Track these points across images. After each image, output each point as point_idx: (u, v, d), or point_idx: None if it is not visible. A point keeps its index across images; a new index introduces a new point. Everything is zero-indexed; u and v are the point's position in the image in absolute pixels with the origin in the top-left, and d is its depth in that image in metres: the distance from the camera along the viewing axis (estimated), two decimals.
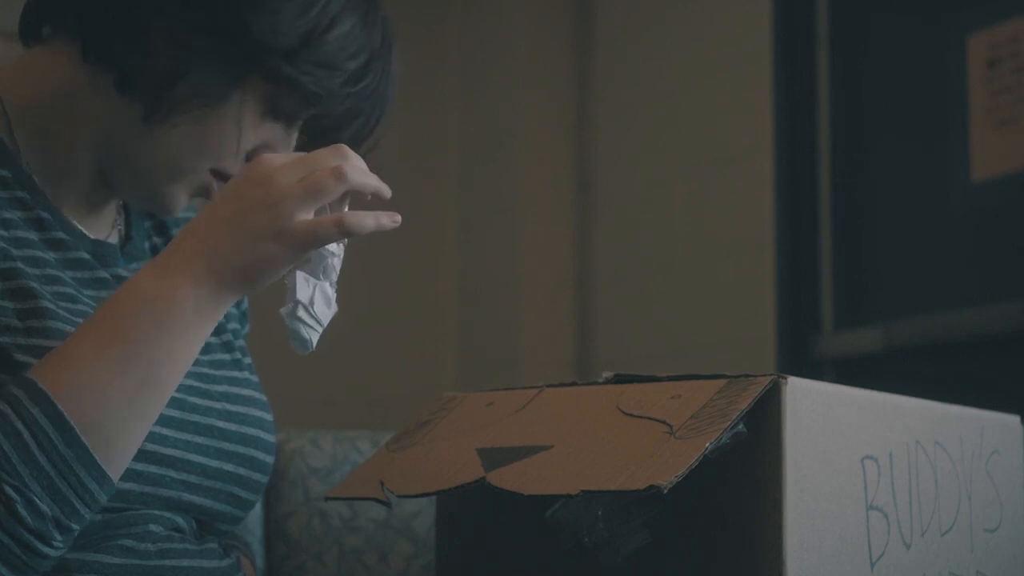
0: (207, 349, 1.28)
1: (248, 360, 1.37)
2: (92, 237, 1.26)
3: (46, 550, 1.06)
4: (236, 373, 1.32)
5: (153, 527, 1.20)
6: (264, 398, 1.34)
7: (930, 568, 1.18)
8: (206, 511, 1.25)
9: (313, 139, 1.24)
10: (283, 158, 1.12)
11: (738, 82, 3.30)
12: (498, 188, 3.90)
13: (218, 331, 1.32)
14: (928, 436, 1.19)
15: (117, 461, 1.08)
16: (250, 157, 1.22)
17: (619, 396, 1.14)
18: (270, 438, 1.31)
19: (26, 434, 1.04)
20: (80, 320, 1.16)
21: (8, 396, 1.06)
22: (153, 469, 1.18)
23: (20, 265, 1.17)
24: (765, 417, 1.06)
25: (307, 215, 1.10)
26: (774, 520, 1.06)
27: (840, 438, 1.11)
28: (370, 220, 1.12)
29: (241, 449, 1.26)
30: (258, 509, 1.76)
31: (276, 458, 1.43)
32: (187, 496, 1.21)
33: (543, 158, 3.81)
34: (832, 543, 1.09)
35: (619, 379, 1.17)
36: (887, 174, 3.03)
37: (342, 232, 1.10)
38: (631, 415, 1.11)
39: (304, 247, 1.11)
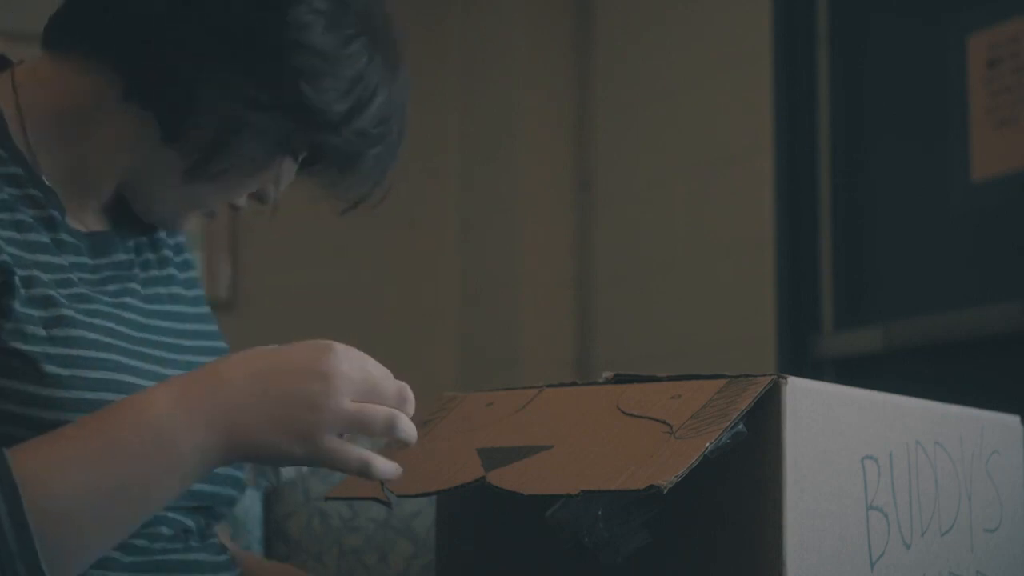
0: (197, 327, 1.30)
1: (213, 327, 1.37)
2: (85, 231, 1.25)
3: None
4: (221, 344, 1.33)
5: (164, 529, 1.20)
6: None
7: (930, 568, 1.18)
8: (215, 497, 1.25)
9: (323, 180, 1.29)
10: (350, 363, 1.09)
11: (738, 82, 3.30)
12: (498, 188, 3.90)
13: (196, 301, 1.34)
14: (928, 436, 1.19)
15: (65, 572, 1.05)
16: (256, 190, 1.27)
17: (619, 396, 1.14)
18: None
19: None
20: (98, 322, 1.16)
21: None
22: None
23: (37, 272, 1.15)
24: (765, 417, 1.06)
25: (340, 437, 1.09)
26: (774, 520, 1.06)
27: (840, 438, 1.11)
28: (391, 471, 1.11)
29: None
30: (258, 509, 1.76)
31: None
32: (197, 484, 1.21)
33: (543, 158, 3.81)
34: (832, 543, 1.09)
35: (619, 379, 1.17)
36: (887, 174, 3.03)
37: (363, 473, 1.10)
38: (631, 415, 1.11)
39: (322, 464, 1.10)
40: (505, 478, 1.10)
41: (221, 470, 1.24)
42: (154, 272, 1.31)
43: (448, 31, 4.06)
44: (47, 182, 1.21)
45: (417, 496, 1.17)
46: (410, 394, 1.12)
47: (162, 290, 1.30)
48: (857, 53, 3.12)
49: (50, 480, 1.04)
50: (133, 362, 1.18)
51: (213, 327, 1.35)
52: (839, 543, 1.10)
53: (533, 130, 3.82)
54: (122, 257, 1.27)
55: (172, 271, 1.34)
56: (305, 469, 1.77)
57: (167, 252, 1.34)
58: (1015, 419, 1.32)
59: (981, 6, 2.83)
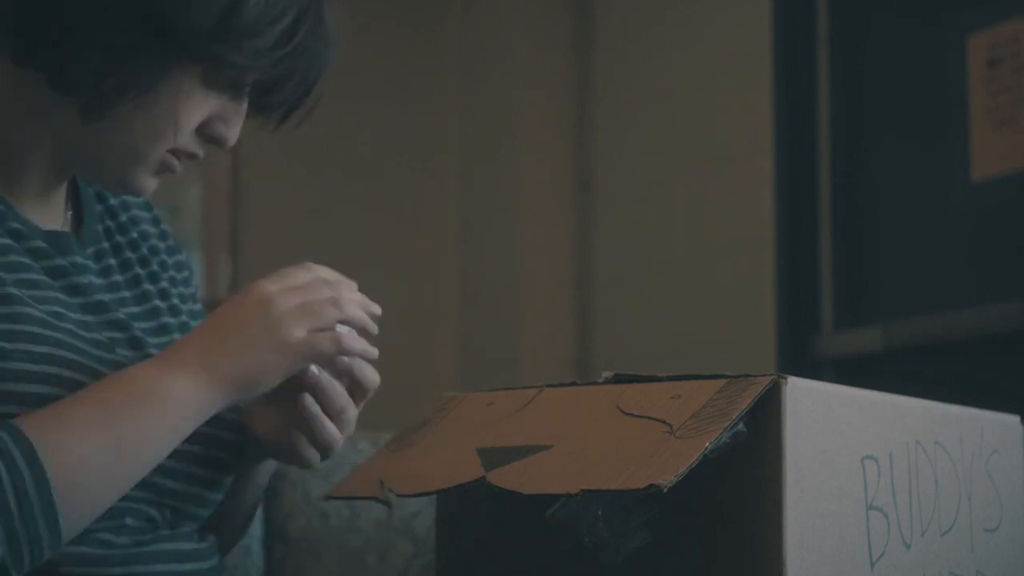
0: (164, 330, 1.31)
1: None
2: (45, 229, 1.27)
3: None
4: None
5: (129, 520, 1.21)
6: None
7: (930, 568, 1.18)
8: (179, 494, 1.25)
9: (253, 103, 1.26)
10: (280, 284, 1.19)
11: (738, 82, 3.30)
12: (498, 188, 3.90)
13: (174, 311, 1.34)
14: (928, 436, 1.19)
15: (74, 523, 1.11)
16: (203, 130, 1.24)
17: (619, 396, 1.14)
18: (231, 416, 1.30)
19: (4, 475, 1.07)
20: (44, 307, 1.18)
21: None
22: None
23: None
24: (765, 417, 1.06)
25: (304, 332, 1.17)
26: (774, 520, 1.06)
27: (840, 438, 1.11)
28: (360, 345, 1.23)
29: (205, 429, 1.26)
30: (258, 509, 1.76)
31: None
32: (159, 480, 1.22)
33: (543, 158, 3.81)
34: (832, 543, 1.09)
35: (619, 379, 1.17)
36: (887, 174, 3.03)
37: (339, 348, 1.19)
38: (631, 415, 1.11)
39: (302, 359, 1.18)
40: (505, 478, 1.10)
41: (190, 469, 1.25)
42: (116, 277, 1.32)
43: (448, 31, 4.06)
44: None
45: (417, 496, 1.17)
46: (336, 278, 1.23)
47: (126, 293, 1.31)
48: (857, 53, 3.12)
49: (59, 440, 1.10)
50: (79, 343, 1.19)
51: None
52: (839, 543, 1.10)
53: (533, 130, 3.82)
54: (78, 260, 1.28)
55: (139, 271, 1.34)
56: (306, 473, 1.77)
57: (145, 252, 1.36)
58: (1015, 419, 1.32)
59: (981, 6, 2.83)
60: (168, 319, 1.33)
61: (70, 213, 1.32)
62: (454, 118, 4.04)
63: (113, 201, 1.38)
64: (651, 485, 1.00)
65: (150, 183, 1.26)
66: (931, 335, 2.87)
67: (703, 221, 3.38)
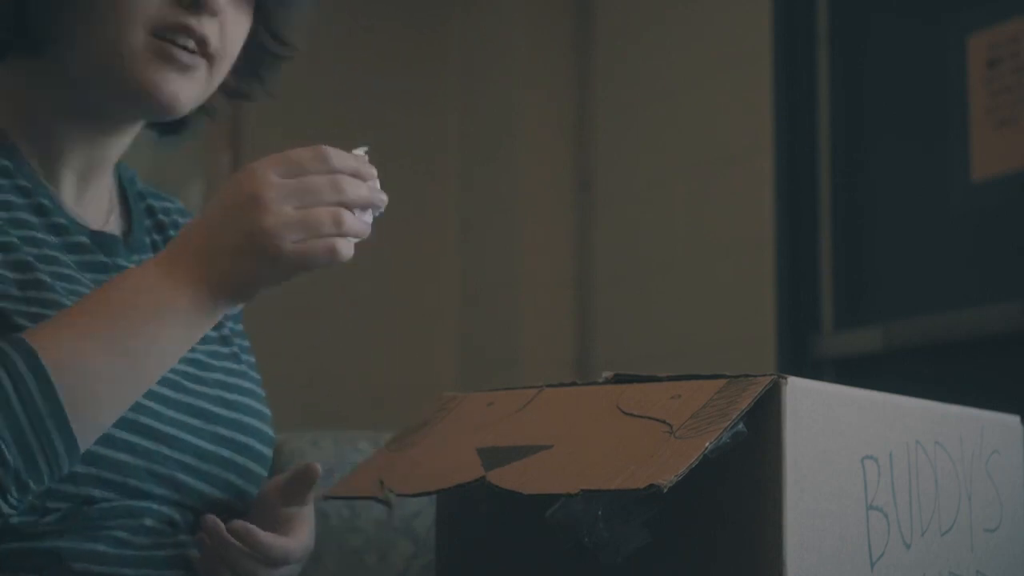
0: (204, 340, 1.29)
1: (248, 358, 1.38)
2: (93, 228, 1.28)
3: (0, 503, 1.06)
4: (233, 365, 1.33)
5: (147, 521, 1.20)
6: (262, 393, 1.35)
7: (930, 568, 1.18)
8: (203, 497, 1.25)
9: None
10: (273, 170, 1.12)
11: (738, 82, 3.30)
12: (498, 188, 3.90)
13: (216, 326, 1.33)
14: (928, 436, 1.19)
15: (86, 431, 1.09)
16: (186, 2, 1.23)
17: (619, 396, 1.14)
18: (267, 429, 1.32)
19: (6, 382, 1.05)
20: (75, 299, 1.18)
21: None
22: (148, 444, 1.19)
23: (17, 242, 1.19)
24: (765, 417, 1.06)
25: (298, 243, 1.12)
26: (774, 520, 1.06)
27: (840, 438, 1.11)
28: (361, 227, 1.16)
29: (238, 436, 1.28)
30: None
31: (276, 459, 1.43)
32: (182, 477, 1.22)
33: (543, 158, 3.81)
34: (832, 543, 1.09)
35: (619, 379, 1.17)
36: (887, 174, 3.03)
37: (334, 259, 1.13)
38: (631, 415, 1.11)
39: (297, 271, 1.13)
40: (505, 478, 1.10)
41: (215, 470, 1.25)
42: None
43: (448, 31, 4.06)
44: (34, 172, 1.25)
45: (417, 496, 1.17)
46: (339, 172, 1.15)
47: None
48: (857, 53, 3.12)
49: (63, 349, 1.08)
50: None
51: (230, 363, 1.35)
52: (839, 543, 1.10)
53: (533, 130, 3.82)
54: (122, 263, 1.28)
55: None
56: None
57: None
58: (1015, 419, 1.32)
59: (981, 6, 2.83)
60: (210, 332, 1.31)
61: (115, 217, 1.33)
62: (454, 118, 4.04)
63: (162, 216, 1.38)
64: (651, 485, 1.00)
65: (165, 79, 1.23)
66: (931, 335, 2.87)
67: (703, 221, 3.38)
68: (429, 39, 4.03)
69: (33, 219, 1.23)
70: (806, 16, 3.17)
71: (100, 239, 1.28)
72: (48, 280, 1.18)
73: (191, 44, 1.24)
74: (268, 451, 1.32)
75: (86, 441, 1.09)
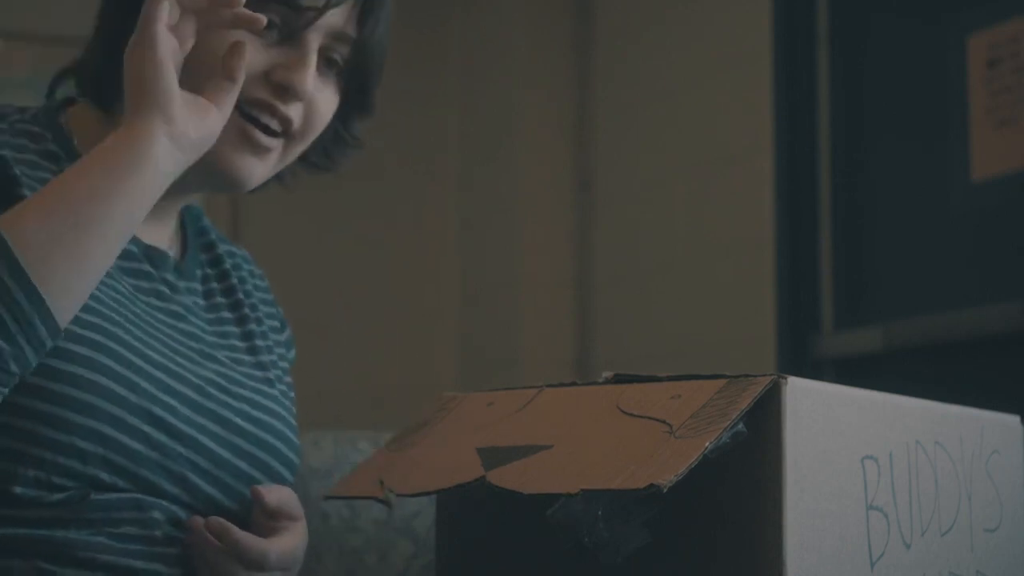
0: (239, 363, 1.31)
1: (285, 387, 1.38)
2: (146, 243, 1.29)
3: None
4: (266, 388, 1.34)
5: (156, 514, 1.21)
6: (294, 422, 1.35)
7: (930, 568, 1.18)
8: (214, 503, 1.25)
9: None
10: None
11: (738, 82, 3.30)
12: (498, 188, 3.90)
13: (253, 351, 1.35)
14: (928, 436, 1.19)
15: (60, 304, 1.09)
16: (269, 77, 1.24)
17: (619, 396, 1.14)
18: (289, 454, 1.32)
19: None
20: (104, 290, 1.19)
21: None
22: (162, 437, 1.20)
23: None
24: (765, 417, 1.06)
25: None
26: (774, 520, 1.06)
27: (840, 438, 1.11)
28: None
29: (258, 453, 1.28)
30: None
31: None
32: (193, 478, 1.22)
33: (543, 158, 3.81)
34: (832, 543, 1.09)
35: (619, 379, 1.17)
36: (887, 174, 3.03)
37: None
38: (631, 415, 1.11)
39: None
40: (505, 477, 1.10)
41: (228, 479, 1.25)
42: (200, 312, 1.33)
43: (448, 31, 4.06)
44: None
45: (417, 495, 1.17)
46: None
47: (206, 327, 1.32)
48: (857, 53, 3.12)
49: (21, 220, 1.09)
50: (133, 328, 1.20)
51: (271, 403, 1.34)
52: (839, 543, 1.10)
53: (533, 130, 3.82)
54: (170, 279, 1.29)
55: (226, 314, 1.36)
56: (305, 469, 1.77)
57: (251, 319, 1.38)
58: (1015, 419, 1.32)
59: (981, 6, 2.83)
60: (245, 356, 1.33)
61: (173, 249, 1.34)
62: (454, 118, 4.04)
63: (226, 260, 1.39)
64: (651, 485, 1.00)
65: (241, 159, 1.25)
66: (931, 335, 2.87)
67: (703, 221, 3.38)
68: (429, 39, 4.03)
69: None
70: (806, 16, 3.17)
71: (150, 252, 1.29)
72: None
73: (274, 124, 1.25)
74: (287, 474, 1.32)
75: (62, 311, 1.09)
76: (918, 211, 2.95)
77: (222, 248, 1.41)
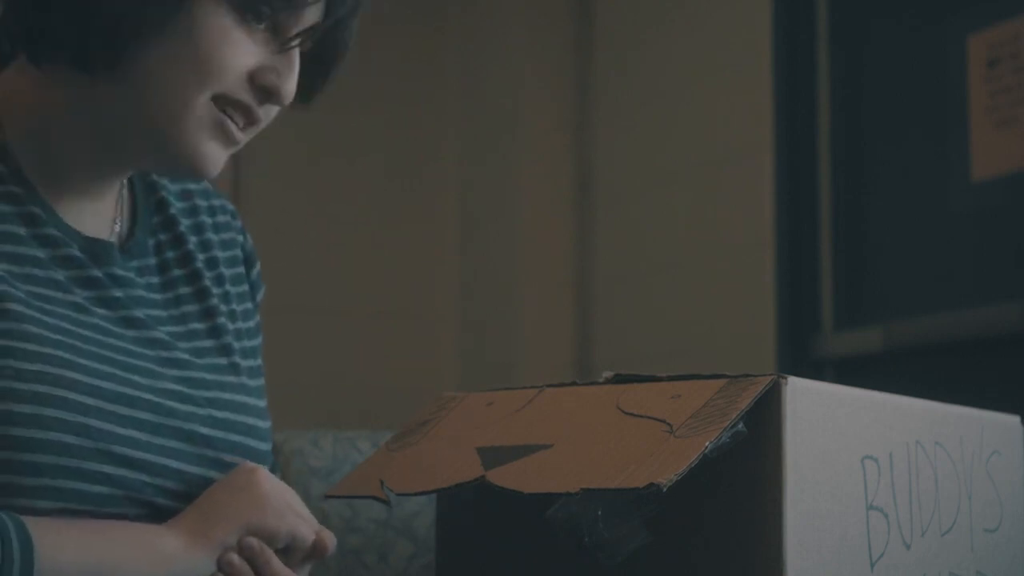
0: (201, 353, 1.28)
1: (251, 363, 1.34)
2: (86, 235, 1.24)
3: None
4: (230, 378, 1.29)
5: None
6: (261, 404, 1.32)
7: (930, 568, 1.18)
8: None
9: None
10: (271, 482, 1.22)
11: (738, 82, 3.30)
12: (498, 188, 3.90)
13: (215, 332, 1.31)
14: (928, 436, 1.19)
15: None
16: (254, 80, 1.20)
17: (619, 396, 1.14)
18: (261, 446, 1.29)
19: None
20: (51, 320, 1.17)
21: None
22: (124, 472, 1.17)
23: None
24: (765, 417, 1.06)
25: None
26: (774, 520, 1.06)
27: (840, 438, 1.11)
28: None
29: (227, 456, 1.25)
30: None
31: (276, 458, 1.42)
32: (163, 501, 1.20)
33: (543, 158, 3.81)
34: (832, 543, 1.09)
35: (619, 379, 1.17)
36: (887, 174, 3.03)
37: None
38: (631, 415, 1.11)
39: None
40: (505, 477, 1.10)
41: (200, 493, 1.23)
42: (155, 296, 1.29)
43: (448, 31, 4.06)
44: (29, 177, 1.21)
45: (417, 495, 1.17)
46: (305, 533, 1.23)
47: (162, 313, 1.28)
48: (857, 53, 3.12)
49: (53, 546, 1.11)
50: (81, 359, 1.17)
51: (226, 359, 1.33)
52: (839, 543, 1.10)
53: (533, 130, 3.82)
54: (117, 271, 1.25)
55: (183, 289, 1.32)
56: (305, 469, 1.77)
57: (212, 291, 1.33)
58: (1015, 419, 1.32)
59: (981, 6, 2.83)
60: (206, 342, 1.30)
61: (120, 222, 1.29)
62: (454, 118, 4.04)
63: (172, 211, 1.34)
64: (651, 484, 1.00)
65: (211, 150, 1.21)
66: (931, 335, 2.87)
67: (703, 221, 3.38)
68: (429, 39, 4.03)
69: (21, 231, 1.19)
70: (806, 16, 3.17)
71: (92, 248, 1.24)
72: (18, 309, 1.15)
73: (242, 123, 1.21)
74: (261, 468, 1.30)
75: None
76: (918, 211, 2.95)
77: (176, 206, 1.34)
